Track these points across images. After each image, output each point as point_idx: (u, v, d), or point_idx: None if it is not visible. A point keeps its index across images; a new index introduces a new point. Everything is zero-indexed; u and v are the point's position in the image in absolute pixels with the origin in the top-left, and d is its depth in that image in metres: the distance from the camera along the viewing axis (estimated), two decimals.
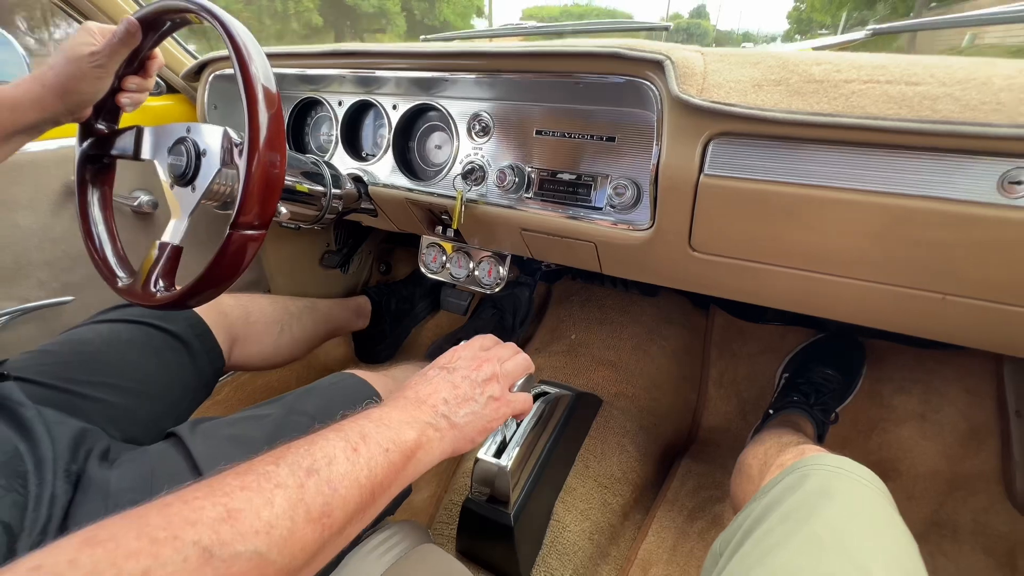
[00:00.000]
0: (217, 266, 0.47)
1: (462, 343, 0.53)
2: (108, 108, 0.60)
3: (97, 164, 0.61)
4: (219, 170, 0.53)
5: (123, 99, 0.59)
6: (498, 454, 0.67)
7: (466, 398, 0.45)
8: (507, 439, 0.69)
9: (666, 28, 0.98)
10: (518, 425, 0.70)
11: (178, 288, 0.51)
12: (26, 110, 0.53)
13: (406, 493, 0.68)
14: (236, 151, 0.51)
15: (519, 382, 0.52)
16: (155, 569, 0.24)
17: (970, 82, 0.42)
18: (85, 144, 0.60)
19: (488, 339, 0.54)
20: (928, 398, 1.00)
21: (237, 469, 0.31)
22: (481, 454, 0.67)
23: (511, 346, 0.54)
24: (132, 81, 0.59)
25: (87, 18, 0.83)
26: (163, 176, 0.55)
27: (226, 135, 0.52)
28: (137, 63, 0.59)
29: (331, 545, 0.33)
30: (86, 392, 0.59)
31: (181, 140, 0.54)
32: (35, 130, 0.55)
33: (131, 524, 0.26)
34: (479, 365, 0.48)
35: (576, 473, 0.85)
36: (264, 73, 0.48)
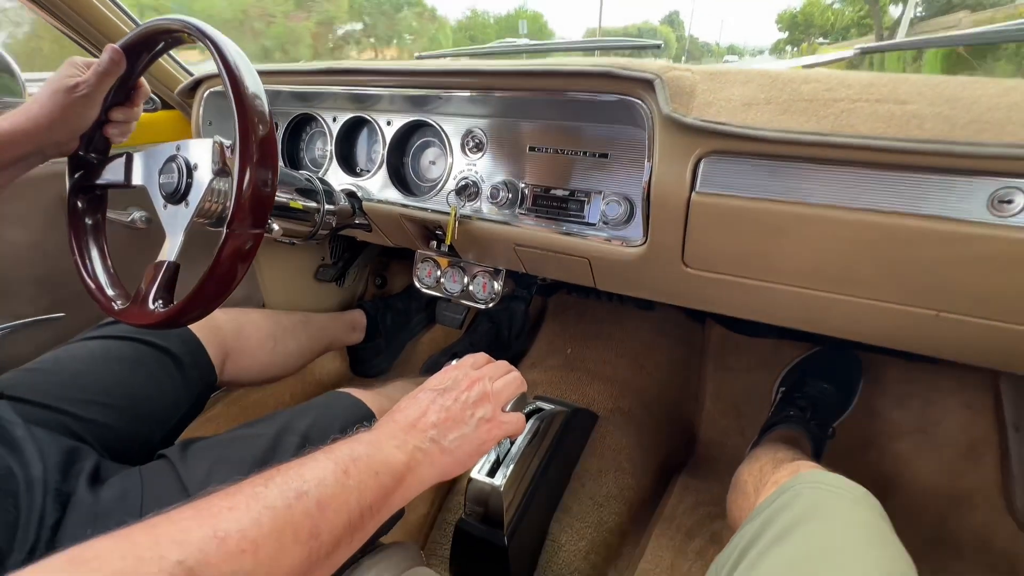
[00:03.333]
0: (213, 273, 0.47)
1: (454, 362, 0.52)
2: (96, 139, 0.59)
3: (89, 195, 0.61)
4: (212, 182, 0.52)
5: (111, 130, 0.59)
6: (492, 473, 0.66)
7: (456, 421, 0.45)
8: (501, 457, 0.68)
9: (657, 46, 0.99)
10: (512, 443, 0.69)
11: (176, 303, 0.50)
12: (13, 143, 0.53)
13: (399, 514, 0.67)
14: (227, 152, 0.51)
15: (511, 402, 0.51)
16: None
17: (958, 101, 0.42)
18: (76, 175, 0.60)
19: (480, 357, 0.53)
20: (926, 412, 1.00)
21: (227, 490, 0.31)
22: (475, 473, 0.66)
23: (503, 364, 0.54)
24: (119, 112, 0.59)
25: (86, 39, 0.84)
26: (156, 199, 0.55)
27: (216, 144, 0.51)
28: (124, 94, 0.59)
29: (320, 568, 0.32)
30: (77, 411, 0.59)
31: (172, 158, 0.54)
32: (23, 164, 0.55)
33: (117, 544, 0.26)
34: (470, 386, 0.48)
35: (572, 492, 0.84)
36: (255, 90, 0.48)
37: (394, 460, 0.38)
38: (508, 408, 0.50)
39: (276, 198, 0.67)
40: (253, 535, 0.28)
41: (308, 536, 0.31)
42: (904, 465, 0.97)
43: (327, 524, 0.32)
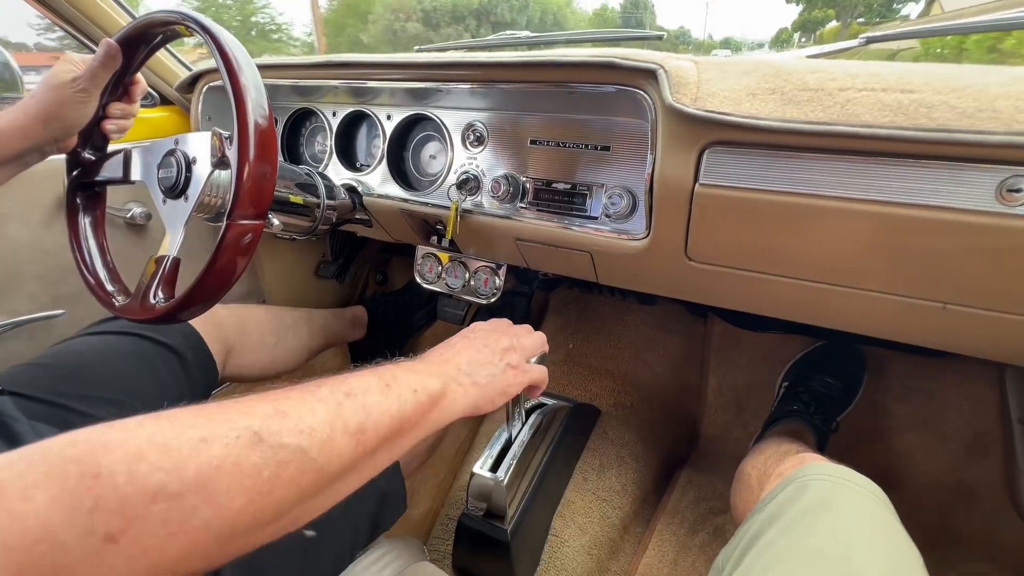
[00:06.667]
0: (214, 266, 0.47)
1: (480, 321, 0.55)
2: (94, 136, 0.59)
3: (87, 191, 0.61)
4: (211, 176, 0.52)
5: (108, 126, 0.59)
6: (494, 468, 0.66)
7: (487, 362, 0.48)
8: (512, 438, 0.68)
9: (659, 37, 0.98)
10: (514, 437, 0.69)
11: (176, 297, 0.50)
12: (9, 139, 0.52)
13: (402, 509, 0.67)
14: (227, 143, 0.50)
15: (534, 358, 0.54)
16: (212, 438, 0.27)
17: (966, 90, 0.41)
18: (74, 173, 0.60)
19: (504, 320, 0.56)
20: (930, 406, 0.99)
21: (282, 389, 0.34)
22: (477, 468, 0.66)
23: (526, 326, 0.57)
24: (117, 107, 0.59)
25: (84, 33, 0.83)
26: (155, 194, 0.55)
27: (214, 135, 0.51)
28: (121, 89, 0.58)
29: (363, 464, 0.35)
30: (79, 406, 0.59)
31: (170, 153, 0.53)
32: (20, 161, 0.55)
33: (190, 409, 0.29)
34: (498, 337, 0.51)
35: (574, 486, 0.84)
36: (254, 83, 0.47)
37: (431, 384, 0.41)
38: (533, 362, 0.53)
39: (276, 193, 0.67)
40: (309, 420, 0.31)
41: (356, 429, 0.33)
42: (908, 459, 0.97)
43: (372, 423, 0.35)
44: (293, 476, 0.29)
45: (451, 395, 0.43)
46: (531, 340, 0.54)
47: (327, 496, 0.32)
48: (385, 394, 0.37)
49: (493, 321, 0.55)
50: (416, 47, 1.03)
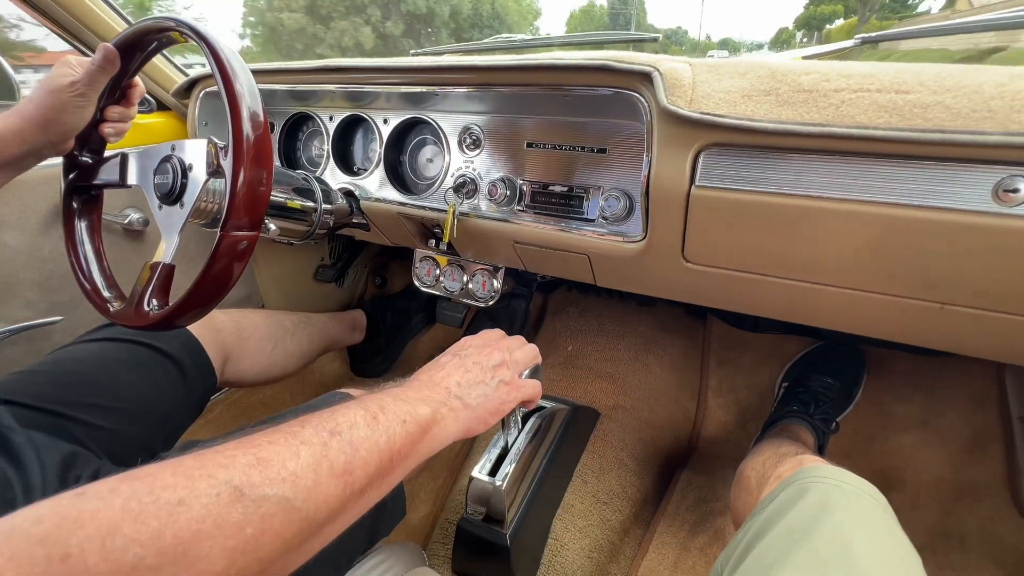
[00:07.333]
0: (208, 274, 0.46)
1: (471, 335, 0.54)
2: (92, 139, 0.59)
3: (84, 195, 0.61)
4: (206, 183, 0.52)
5: (106, 129, 0.59)
6: (493, 472, 0.65)
7: (478, 381, 0.47)
8: (508, 445, 0.67)
9: (655, 39, 0.99)
10: (512, 443, 0.69)
11: (171, 304, 0.50)
12: (7, 143, 0.52)
13: (401, 514, 0.67)
14: (222, 153, 0.50)
15: (527, 371, 0.53)
16: (190, 500, 0.26)
17: (960, 90, 0.41)
18: (71, 176, 0.60)
19: (496, 332, 0.55)
20: (930, 405, 0.99)
21: (265, 430, 0.33)
22: (476, 472, 0.66)
23: (519, 338, 0.56)
24: (114, 111, 0.59)
25: (79, 39, 0.83)
26: (151, 199, 0.54)
27: (210, 144, 0.51)
28: (119, 93, 0.58)
29: (352, 505, 0.34)
30: (76, 414, 0.59)
31: (167, 159, 0.53)
32: (17, 165, 0.55)
33: (168, 465, 0.27)
34: (489, 353, 0.50)
35: (574, 489, 0.84)
36: (249, 89, 0.47)
37: (420, 412, 0.40)
38: (525, 376, 0.52)
39: (273, 198, 0.67)
40: (292, 466, 0.30)
41: (342, 471, 0.32)
42: (909, 458, 0.96)
43: (360, 462, 0.33)
44: (278, 529, 0.28)
45: (442, 421, 0.41)
46: (523, 353, 0.53)
47: (314, 543, 0.31)
48: (372, 428, 0.36)
49: (484, 334, 0.54)
50: (412, 51, 1.04)
